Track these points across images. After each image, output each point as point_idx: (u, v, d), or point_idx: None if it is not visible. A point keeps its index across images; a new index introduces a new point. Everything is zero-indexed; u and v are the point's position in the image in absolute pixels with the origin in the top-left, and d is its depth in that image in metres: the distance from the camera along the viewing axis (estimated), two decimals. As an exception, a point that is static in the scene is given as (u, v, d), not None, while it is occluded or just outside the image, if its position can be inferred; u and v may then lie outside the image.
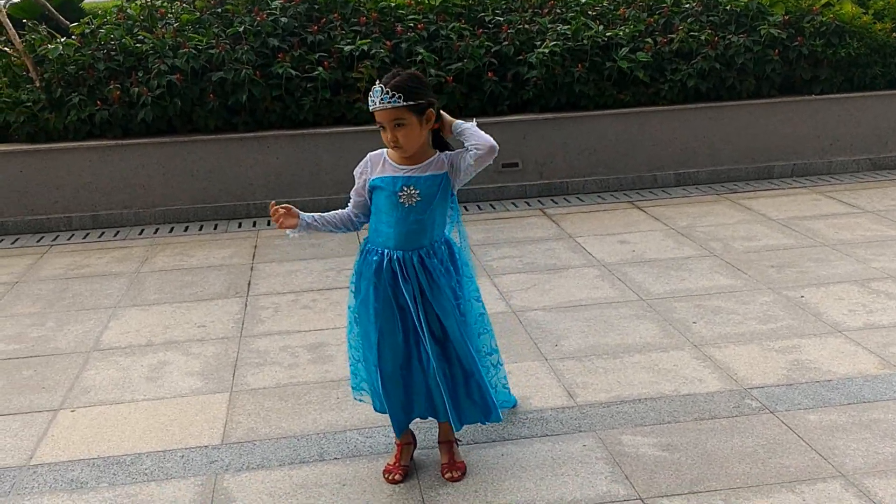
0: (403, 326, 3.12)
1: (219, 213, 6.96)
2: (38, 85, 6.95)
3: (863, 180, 7.34)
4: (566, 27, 7.41)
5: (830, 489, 3.08)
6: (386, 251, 3.09)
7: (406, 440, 3.33)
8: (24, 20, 7.85)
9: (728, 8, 7.64)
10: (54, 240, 6.58)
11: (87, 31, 7.23)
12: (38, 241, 6.55)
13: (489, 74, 7.13)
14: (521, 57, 7.26)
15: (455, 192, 3.17)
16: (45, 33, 7.39)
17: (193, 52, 6.87)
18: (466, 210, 6.89)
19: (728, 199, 6.93)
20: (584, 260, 5.62)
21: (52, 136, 6.90)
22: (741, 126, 7.43)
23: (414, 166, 3.05)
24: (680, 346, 4.29)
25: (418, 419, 3.35)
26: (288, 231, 3.16)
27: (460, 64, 7.08)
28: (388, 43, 7.12)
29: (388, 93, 2.90)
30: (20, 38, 7.16)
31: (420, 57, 7.00)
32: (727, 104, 7.42)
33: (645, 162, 7.36)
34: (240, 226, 6.77)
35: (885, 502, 2.99)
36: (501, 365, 3.48)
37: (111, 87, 6.79)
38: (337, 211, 3.23)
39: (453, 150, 3.11)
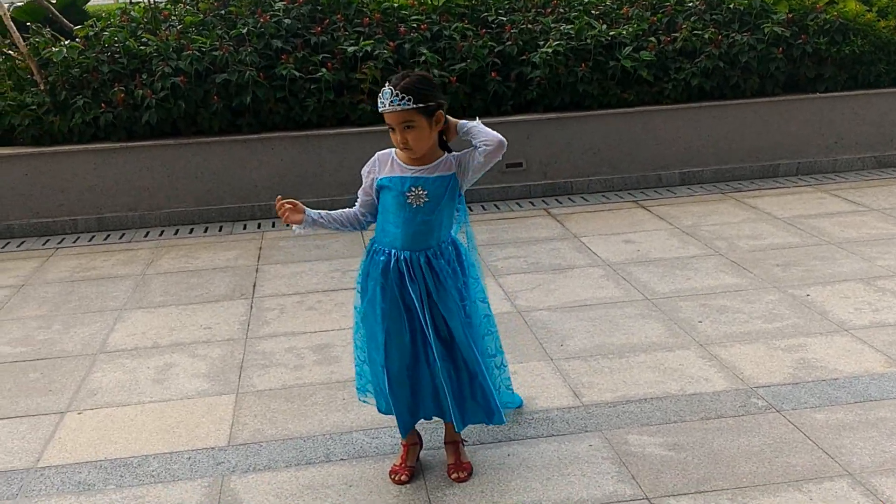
0: (410, 327, 3.12)
1: (224, 215, 6.97)
2: (42, 88, 6.96)
3: (868, 178, 7.33)
4: (569, 27, 7.41)
5: (837, 488, 3.07)
6: (393, 251, 3.09)
7: (412, 441, 3.33)
8: (28, 23, 7.86)
9: (732, 6, 7.63)
10: (60, 242, 6.59)
11: (91, 33, 7.24)
12: (44, 244, 6.56)
13: (493, 74, 7.12)
14: (524, 57, 7.25)
15: (463, 193, 3.17)
16: (49, 36, 7.41)
17: (197, 54, 6.87)
18: (471, 210, 6.89)
19: (733, 198, 6.92)
20: (588, 260, 5.62)
21: (56, 139, 6.91)
22: (746, 125, 7.42)
23: (422, 167, 3.05)
24: (685, 345, 4.28)
25: (423, 420, 3.35)
26: (294, 227, 3.16)
27: (464, 64, 7.08)
28: (391, 44, 7.12)
29: (397, 95, 2.90)
30: (24, 41, 7.17)
31: (423, 57, 7.00)
32: (731, 103, 7.41)
33: (649, 161, 7.36)
34: (245, 227, 6.78)
35: (893, 501, 2.99)
36: (505, 366, 3.48)
37: (115, 89, 6.80)
38: (344, 209, 3.23)
39: (459, 152, 3.11)
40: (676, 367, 4.05)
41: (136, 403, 3.95)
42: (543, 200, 7.13)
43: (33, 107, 6.89)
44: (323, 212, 3.20)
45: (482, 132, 3.03)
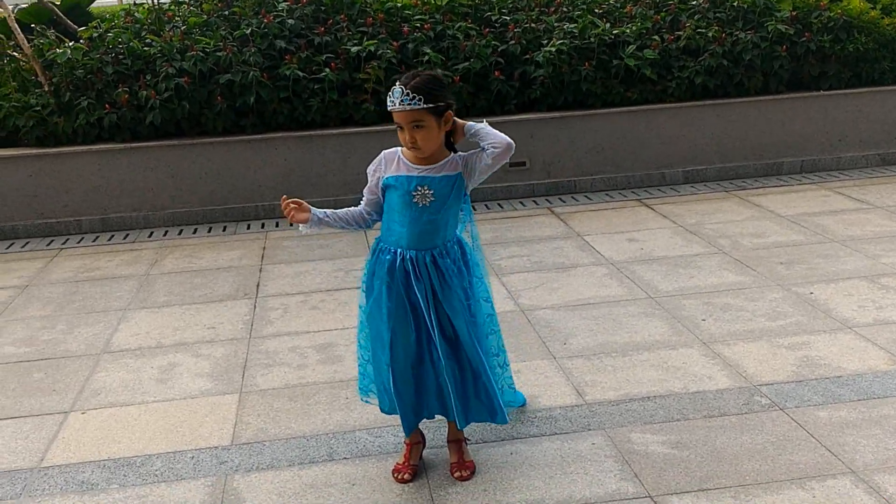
0: (416, 326, 3.12)
1: (227, 215, 6.98)
2: (46, 89, 6.98)
3: (872, 176, 7.31)
4: (573, 25, 7.40)
5: (840, 486, 3.07)
6: (399, 250, 3.09)
7: (415, 439, 3.33)
8: (33, 25, 7.88)
9: (735, 4, 7.62)
10: (64, 243, 6.61)
11: (96, 35, 7.26)
12: (48, 245, 6.58)
13: (496, 74, 7.12)
14: (527, 56, 7.26)
15: (468, 193, 3.17)
16: (53, 38, 7.43)
17: (201, 54, 6.88)
18: (474, 209, 6.89)
19: (736, 196, 6.91)
20: (592, 258, 5.61)
21: (61, 140, 6.93)
22: (749, 123, 7.41)
23: (429, 166, 3.05)
24: (689, 343, 4.28)
25: (426, 419, 3.35)
26: (300, 226, 3.16)
27: (467, 63, 7.08)
28: (394, 43, 7.12)
29: (408, 94, 2.89)
30: (29, 42, 7.19)
31: (427, 57, 7.00)
32: (735, 101, 7.40)
33: (653, 160, 7.35)
34: (248, 227, 6.79)
35: (896, 498, 2.98)
36: (508, 366, 3.48)
37: (119, 90, 6.82)
38: (349, 208, 3.23)
39: (466, 152, 3.11)
40: (680, 365, 4.05)
41: (139, 403, 3.96)
42: (547, 199, 7.12)
43: (38, 108, 6.91)
44: (328, 210, 3.20)
45: (490, 134, 3.03)
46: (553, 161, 7.24)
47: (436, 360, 3.14)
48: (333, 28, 7.29)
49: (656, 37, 7.38)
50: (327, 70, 6.89)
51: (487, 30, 7.44)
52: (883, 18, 7.57)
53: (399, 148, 3.11)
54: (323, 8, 7.46)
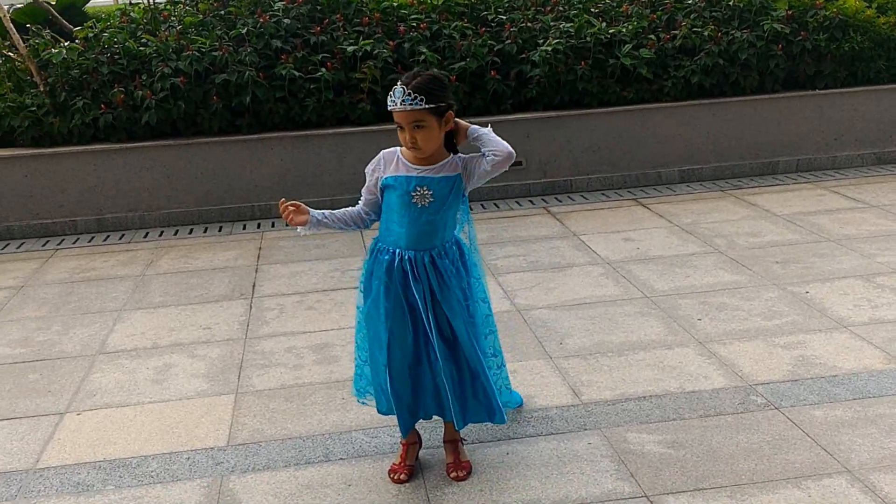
0: (413, 326, 3.12)
1: (223, 216, 6.97)
2: (42, 89, 6.97)
3: (867, 175, 7.32)
4: (569, 25, 7.40)
5: (836, 485, 3.07)
6: (398, 251, 3.09)
7: (411, 440, 3.33)
8: (28, 25, 7.87)
9: (731, 3, 7.63)
10: (59, 244, 6.60)
11: (91, 34, 7.25)
12: (44, 245, 6.57)
13: (492, 73, 7.12)
14: (523, 55, 7.25)
15: (466, 195, 3.17)
16: (48, 38, 7.41)
17: (197, 54, 6.88)
18: (471, 209, 6.88)
19: (732, 196, 6.92)
20: (588, 258, 5.61)
21: (56, 141, 6.92)
22: (745, 122, 7.42)
23: (428, 167, 3.05)
24: (685, 342, 4.28)
25: (422, 419, 3.35)
26: (299, 228, 3.16)
27: (463, 63, 7.08)
28: (391, 43, 7.12)
29: (409, 94, 2.89)
30: (24, 42, 7.18)
31: (423, 57, 7.00)
32: (731, 100, 7.40)
33: (649, 159, 7.35)
34: (244, 228, 6.78)
35: (892, 497, 2.98)
36: (505, 366, 3.48)
37: (115, 90, 6.81)
38: (348, 208, 3.22)
39: (466, 154, 3.11)
40: (676, 364, 4.05)
41: (135, 404, 3.96)
42: (543, 199, 7.12)
43: (33, 108, 6.90)
44: (327, 212, 3.19)
45: (492, 141, 3.03)
46: (549, 160, 7.24)
47: (433, 361, 3.14)
48: (329, 27, 7.28)
49: (652, 36, 7.39)
50: (323, 70, 6.88)
51: (484, 29, 7.43)
52: (878, 17, 7.58)
53: (398, 148, 3.11)
54: (319, 7, 7.45)
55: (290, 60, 6.95)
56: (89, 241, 6.62)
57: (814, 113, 7.49)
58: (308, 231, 3.16)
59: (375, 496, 3.16)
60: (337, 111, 7.05)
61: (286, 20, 7.22)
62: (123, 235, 6.73)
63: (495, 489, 3.16)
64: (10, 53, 7.35)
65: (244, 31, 7.09)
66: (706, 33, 7.38)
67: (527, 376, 3.99)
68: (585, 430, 3.52)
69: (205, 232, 6.72)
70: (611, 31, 7.34)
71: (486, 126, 3.11)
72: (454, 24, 7.37)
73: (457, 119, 3.08)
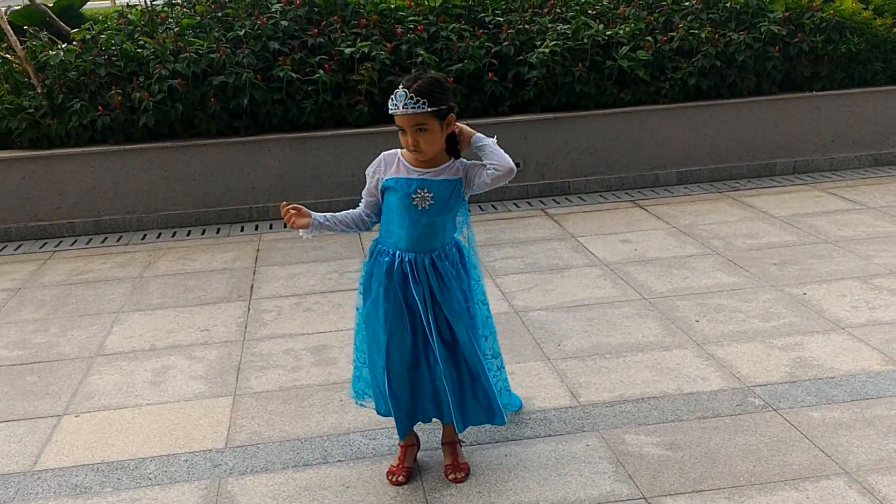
0: (412, 329, 3.12)
1: (221, 217, 6.97)
2: (39, 91, 6.97)
3: (864, 176, 7.33)
4: (566, 27, 7.41)
5: (834, 486, 3.08)
6: (398, 252, 3.09)
7: (410, 442, 3.33)
8: (25, 27, 7.86)
9: (728, 5, 7.64)
10: (57, 245, 6.59)
11: (88, 36, 7.24)
12: (42, 247, 6.56)
13: (490, 75, 7.13)
14: (521, 57, 7.26)
15: (466, 198, 3.17)
16: (46, 39, 7.41)
17: (194, 56, 6.87)
18: (469, 211, 6.88)
19: (730, 197, 6.93)
20: (586, 260, 5.62)
21: (54, 143, 6.91)
22: (742, 124, 7.43)
23: (429, 169, 3.05)
24: (682, 344, 4.29)
25: (421, 423, 3.35)
26: (300, 232, 3.15)
27: (461, 65, 7.08)
28: (388, 45, 7.12)
29: (411, 98, 2.88)
30: (21, 44, 7.17)
31: (420, 58, 7.00)
32: (728, 102, 7.41)
33: (646, 161, 7.36)
34: (242, 229, 6.78)
35: (889, 498, 2.99)
36: (504, 368, 3.49)
37: (112, 92, 6.80)
38: (348, 210, 3.22)
39: (468, 161, 3.10)
40: (673, 366, 4.06)
41: (133, 406, 3.96)
42: (541, 200, 7.13)
43: (30, 110, 6.89)
44: (328, 214, 3.19)
45: (495, 154, 3.02)
46: (547, 162, 7.24)
47: (432, 364, 3.14)
48: (327, 29, 7.28)
49: (649, 38, 7.39)
50: (321, 72, 6.88)
51: (481, 31, 7.44)
52: (875, 19, 7.59)
53: (399, 150, 3.11)
54: (316, 9, 7.45)
55: (287, 62, 6.95)
56: (87, 243, 6.62)
57: (811, 115, 7.51)
58: (310, 234, 3.16)
59: (374, 498, 3.16)
60: (334, 113, 7.05)
61: (284, 22, 7.22)
62: (121, 237, 6.73)
63: (493, 491, 3.16)
64: (8, 55, 7.35)
65: (242, 33, 7.09)
66: (703, 35, 7.40)
67: (525, 378, 3.99)
68: (583, 431, 3.53)
69: (203, 234, 6.72)
70: (608, 33, 7.35)
71: (493, 137, 3.09)
72: (451, 26, 7.38)
73: (462, 125, 3.08)
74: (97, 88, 6.89)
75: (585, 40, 7.26)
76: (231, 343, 4.60)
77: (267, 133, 7.02)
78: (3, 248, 6.57)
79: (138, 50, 7.03)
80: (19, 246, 6.63)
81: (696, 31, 7.45)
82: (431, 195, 3.03)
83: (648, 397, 3.77)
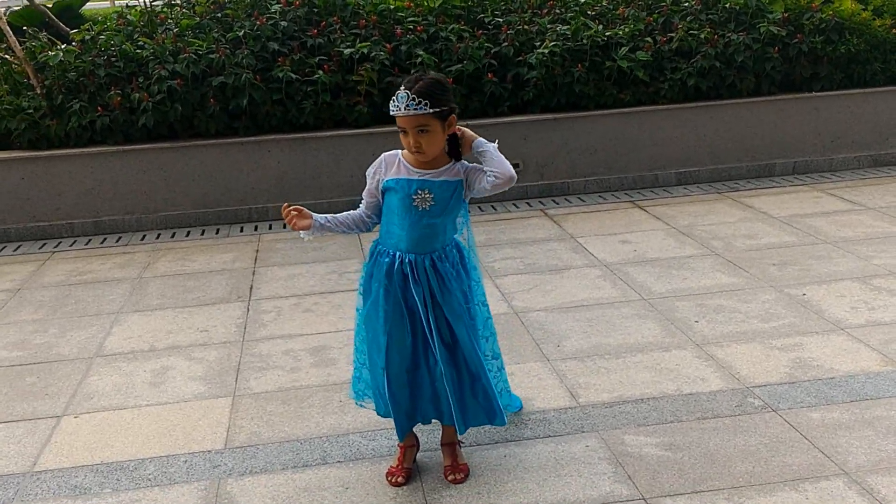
0: (412, 330, 3.12)
1: (220, 218, 6.96)
2: (38, 92, 6.96)
3: (864, 177, 7.34)
4: (565, 27, 7.41)
5: (833, 487, 3.08)
6: (398, 253, 3.09)
7: (409, 443, 3.33)
8: (25, 27, 7.86)
9: (727, 6, 7.64)
10: (56, 246, 6.59)
11: (88, 37, 7.24)
12: (41, 248, 6.56)
13: (489, 76, 7.13)
14: (520, 58, 7.26)
15: (467, 201, 3.17)
16: (45, 40, 7.41)
17: (194, 57, 6.87)
18: (468, 212, 6.88)
19: (729, 198, 6.93)
20: (585, 260, 5.62)
21: (53, 143, 6.91)
22: (742, 124, 7.43)
23: (429, 170, 3.05)
24: (682, 345, 4.29)
25: (421, 424, 3.35)
26: (301, 233, 3.15)
27: (460, 65, 7.09)
28: (387, 45, 7.12)
29: (414, 99, 2.87)
30: (21, 45, 7.17)
31: (420, 59, 7.00)
32: (727, 102, 7.41)
33: (646, 161, 7.36)
34: (241, 230, 6.78)
35: (889, 499, 2.99)
36: (504, 369, 3.49)
37: (112, 93, 6.80)
38: (349, 212, 3.22)
39: (470, 164, 3.10)
40: (673, 367, 4.06)
41: (132, 407, 3.95)
42: (540, 201, 7.13)
43: (30, 111, 6.89)
44: (329, 215, 3.19)
45: (495, 161, 3.00)
46: (546, 163, 7.24)
47: (432, 366, 3.14)
48: (326, 30, 7.28)
49: (649, 38, 7.40)
50: (320, 72, 6.88)
51: (480, 32, 7.44)
52: (874, 20, 7.59)
53: (399, 151, 3.11)
54: (316, 10, 7.45)
55: (287, 63, 6.95)
56: (86, 244, 6.62)
57: (810, 115, 7.51)
58: (311, 235, 3.16)
59: (373, 499, 3.16)
60: (334, 114, 7.05)
61: (283, 23, 7.22)
62: (120, 238, 6.73)
63: (493, 492, 3.16)
64: (7, 56, 7.34)
65: (241, 34, 7.09)
66: (702, 36, 7.40)
67: (524, 379, 3.99)
68: (583, 432, 3.53)
69: (202, 234, 6.72)
70: (607, 34, 7.35)
71: (494, 141, 3.08)
72: (451, 26, 7.38)
73: (463, 127, 3.08)
74: (96, 89, 6.89)
75: (585, 41, 7.26)
76: (230, 344, 4.60)
77: (266, 134, 7.02)
78: (2, 249, 6.57)
79: (138, 50, 7.03)
80: (18, 246, 6.63)
81: (696, 32, 7.45)
82: (432, 196, 3.03)
83: (648, 398, 3.77)
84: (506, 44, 7.28)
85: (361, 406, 3.43)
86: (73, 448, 3.62)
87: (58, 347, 4.67)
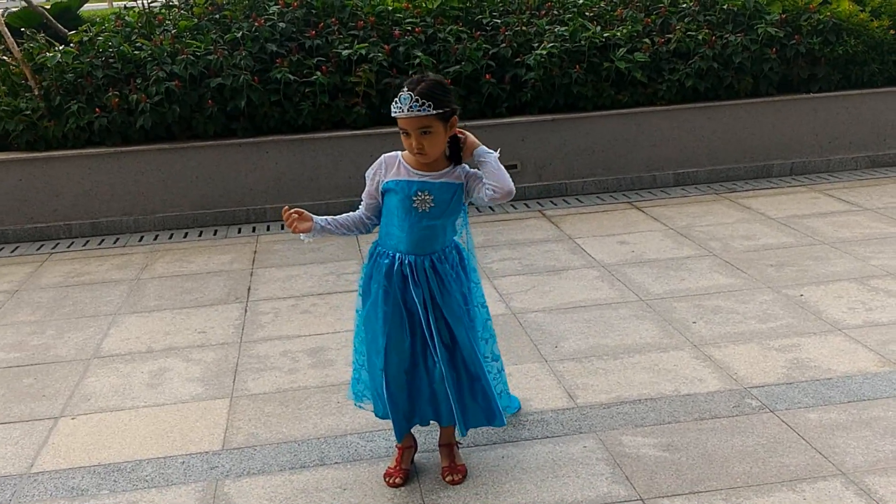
0: (411, 331, 3.12)
1: (218, 219, 6.96)
2: (36, 93, 6.96)
3: (861, 178, 7.34)
4: (564, 28, 7.42)
5: (831, 488, 3.08)
6: (398, 255, 3.09)
7: (407, 444, 3.33)
8: (23, 28, 7.86)
9: (725, 7, 7.64)
10: (54, 248, 6.59)
11: (86, 38, 7.24)
12: (38, 249, 6.56)
13: (487, 77, 7.13)
14: (518, 59, 7.26)
15: (466, 204, 3.17)
16: (43, 41, 7.40)
17: (192, 58, 6.87)
18: (467, 214, 6.88)
19: (727, 199, 6.93)
20: (583, 261, 5.62)
21: (51, 144, 6.91)
22: (739, 125, 7.43)
23: (430, 172, 3.04)
24: (680, 346, 4.29)
25: (419, 425, 3.35)
26: (302, 235, 3.15)
27: (458, 67, 7.09)
28: (385, 47, 7.12)
29: (417, 100, 2.87)
30: (18, 46, 7.17)
31: (418, 60, 7.00)
32: (725, 103, 7.42)
33: (644, 162, 7.36)
34: (239, 231, 6.78)
35: (886, 500, 2.99)
36: (504, 371, 3.49)
37: (110, 94, 6.80)
38: (349, 213, 3.22)
39: (471, 168, 3.10)
40: (671, 367, 4.06)
41: (130, 408, 3.95)
42: (538, 202, 7.13)
43: (27, 112, 6.89)
44: (329, 217, 3.18)
45: (495, 174, 2.99)
46: (544, 164, 7.24)
47: (430, 367, 3.14)
48: (324, 31, 7.28)
49: (647, 40, 7.40)
50: (318, 73, 6.88)
51: (478, 33, 7.44)
52: (872, 21, 7.60)
53: (399, 152, 3.10)
54: (314, 11, 7.45)
55: (285, 64, 6.94)
56: (84, 245, 6.61)
57: (808, 116, 7.51)
58: (311, 238, 3.15)
59: (371, 500, 3.16)
60: (332, 115, 7.05)
61: (281, 24, 7.22)
62: (118, 239, 6.72)
63: (490, 493, 3.16)
64: (5, 57, 7.34)
65: (239, 35, 7.09)
66: (700, 37, 7.40)
67: (522, 380, 3.99)
68: (581, 433, 3.53)
69: (200, 236, 6.72)
70: (605, 35, 7.35)
71: (496, 150, 3.06)
72: (449, 27, 7.38)
73: (465, 131, 3.08)
74: (94, 90, 6.89)
75: (583, 42, 7.26)
76: (228, 345, 4.60)
77: (264, 135, 7.02)
78: None
79: (135, 52, 7.03)
80: (16, 248, 6.62)
81: (694, 33, 7.46)
82: (432, 198, 3.03)
83: (645, 399, 3.77)
84: (504, 45, 7.28)
85: (360, 407, 3.43)
86: (71, 449, 3.61)
87: (55, 349, 4.67)
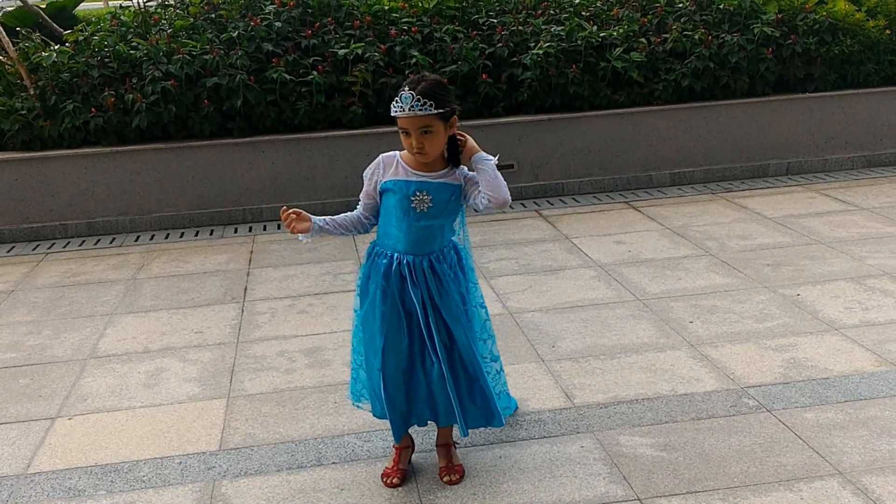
0: (409, 331, 3.11)
1: (214, 219, 6.95)
2: (32, 93, 6.94)
3: (857, 178, 7.35)
4: (560, 28, 7.42)
5: (828, 487, 3.08)
6: (396, 255, 3.08)
7: (404, 444, 3.33)
8: (18, 28, 7.84)
9: (721, 7, 7.65)
10: (50, 248, 6.57)
11: (81, 38, 7.22)
12: (34, 250, 6.54)
13: (483, 76, 7.13)
14: (515, 58, 7.26)
15: (464, 206, 3.17)
16: (38, 41, 7.39)
17: (188, 57, 6.86)
18: (465, 214, 6.88)
19: (723, 198, 6.94)
20: (580, 261, 5.62)
21: (46, 144, 6.89)
22: (736, 125, 7.44)
23: (428, 173, 3.04)
24: (677, 345, 4.29)
25: (416, 426, 3.35)
26: (300, 236, 3.14)
27: (455, 66, 7.08)
28: (382, 46, 7.12)
29: (418, 100, 2.86)
30: (14, 46, 7.15)
31: (414, 60, 7.00)
32: (721, 103, 7.43)
33: (640, 162, 7.37)
34: (236, 231, 6.77)
35: (883, 499, 3.00)
36: (503, 371, 3.49)
37: (105, 93, 6.79)
38: (347, 213, 3.22)
39: (470, 172, 3.09)
40: (667, 367, 4.06)
41: (126, 408, 3.94)
42: (535, 202, 7.13)
43: (23, 112, 6.87)
44: (327, 218, 3.18)
45: (492, 184, 2.98)
46: (541, 164, 7.24)
47: (428, 367, 3.13)
48: (320, 31, 7.28)
49: (643, 39, 7.41)
50: (314, 73, 6.88)
51: (475, 32, 7.44)
52: (868, 21, 7.61)
53: (397, 152, 3.10)
54: (310, 11, 7.45)
55: (281, 64, 6.94)
56: (80, 245, 6.60)
57: (804, 116, 7.52)
58: (309, 238, 3.15)
59: (368, 500, 3.16)
60: (328, 114, 7.04)
61: (277, 24, 7.21)
62: (114, 239, 6.71)
63: (488, 493, 3.16)
64: (1, 57, 7.32)
65: (235, 35, 7.08)
66: (696, 37, 7.41)
67: (519, 379, 3.99)
68: (578, 433, 3.53)
69: (196, 235, 6.71)
70: (602, 35, 7.35)
71: (495, 157, 3.06)
72: (445, 27, 7.38)
73: (465, 134, 3.08)
74: (90, 90, 6.87)
75: (579, 42, 7.27)
76: (225, 345, 4.59)
77: (261, 135, 7.02)
78: (-5, 250, 6.56)
79: (131, 51, 7.02)
80: (11, 248, 6.61)
81: (690, 33, 7.46)
82: (430, 198, 3.02)
83: (642, 398, 3.77)
84: (500, 45, 7.28)
85: (359, 407, 3.43)
86: (68, 450, 3.61)
87: (51, 349, 4.66)
